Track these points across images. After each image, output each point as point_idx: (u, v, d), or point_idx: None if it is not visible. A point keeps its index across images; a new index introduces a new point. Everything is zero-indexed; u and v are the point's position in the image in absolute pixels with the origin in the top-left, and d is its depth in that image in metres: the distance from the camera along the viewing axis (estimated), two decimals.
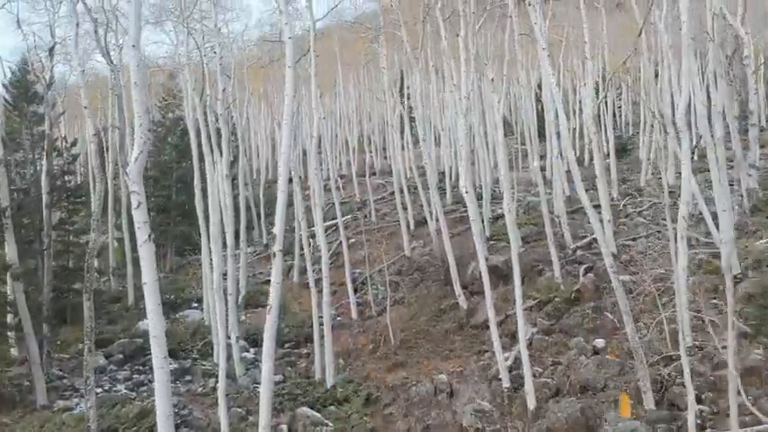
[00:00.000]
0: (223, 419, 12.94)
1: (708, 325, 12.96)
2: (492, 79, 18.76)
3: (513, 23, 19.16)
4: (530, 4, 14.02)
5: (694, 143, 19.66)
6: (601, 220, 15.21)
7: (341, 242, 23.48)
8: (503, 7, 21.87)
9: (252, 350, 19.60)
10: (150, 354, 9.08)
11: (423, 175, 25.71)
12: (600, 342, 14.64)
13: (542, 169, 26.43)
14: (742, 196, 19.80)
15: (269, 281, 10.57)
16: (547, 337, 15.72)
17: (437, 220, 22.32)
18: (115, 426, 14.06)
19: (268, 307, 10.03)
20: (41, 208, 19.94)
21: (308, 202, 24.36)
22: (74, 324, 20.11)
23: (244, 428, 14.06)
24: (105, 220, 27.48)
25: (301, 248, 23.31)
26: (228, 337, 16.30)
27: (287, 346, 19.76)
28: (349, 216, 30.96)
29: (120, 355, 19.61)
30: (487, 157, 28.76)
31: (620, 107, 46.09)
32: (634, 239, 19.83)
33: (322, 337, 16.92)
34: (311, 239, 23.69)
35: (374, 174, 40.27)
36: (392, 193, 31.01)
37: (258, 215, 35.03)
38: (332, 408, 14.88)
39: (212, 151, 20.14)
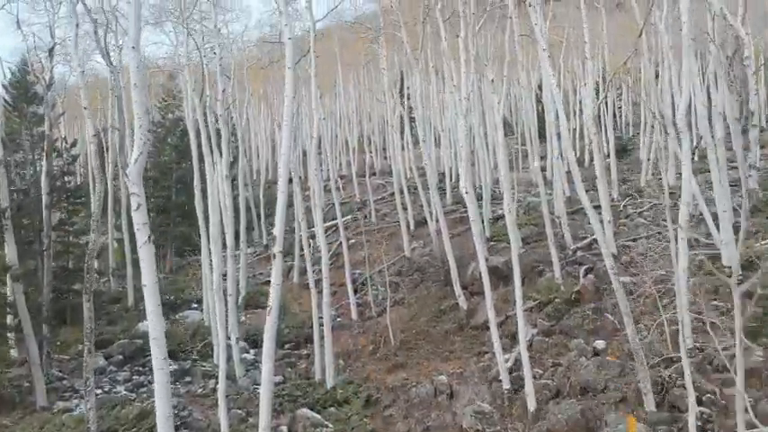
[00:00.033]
0: (223, 421, 12.93)
1: (708, 326, 12.99)
2: (492, 80, 18.72)
3: (513, 24, 19.14)
4: (530, 5, 14.01)
5: (695, 144, 19.62)
6: (601, 221, 15.20)
7: (341, 243, 23.47)
8: (503, 8, 21.85)
9: (252, 351, 19.57)
10: (150, 355, 9.08)
11: (423, 175, 25.70)
12: (600, 343, 14.62)
13: (543, 170, 26.42)
14: (742, 197, 19.77)
15: (269, 281, 10.56)
16: (547, 339, 15.69)
17: (437, 221, 22.31)
18: (115, 427, 14.06)
19: (268, 308, 10.02)
20: (41, 209, 19.93)
21: (308, 202, 24.34)
22: (74, 325, 20.10)
23: (244, 430, 14.04)
24: (105, 221, 27.49)
25: (301, 249, 23.31)
26: (228, 338, 16.27)
27: (287, 346, 19.75)
28: (349, 217, 30.95)
29: (120, 356, 19.60)
30: (487, 157, 28.75)
31: (620, 107, 46.09)
32: (634, 240, 19.81)
33: (322, 337, 16.90)
34: (311, 240, 23.68)
35: (374, 174, 40.26)
36: (392, 193, 31.00)
37: (258, 216, 35.02)
38: (332, 409, 14.87)
39: (212, 152, 20.12)
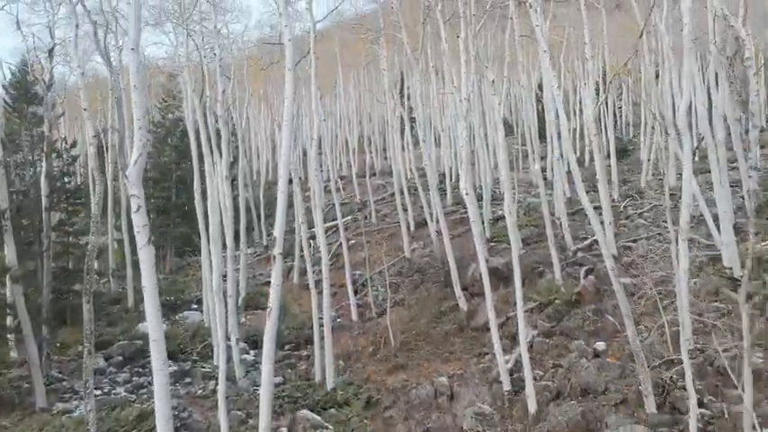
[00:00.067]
0: (223, 422, 12.90)
1: (710, 328, 12.97)
2: (493, 81, 18.70)
3: (513, 25, 19.12)
4: (530, 6, 13.98)
5: (695, 145, 19.60)
6: (601, 222, 15.18)
7: (341, 243, 23.45)
8: (503, 9, 21.82)
9: (252, 352, 19.54)
10: (150, 356, 9.07)
11: (423, 175, 25.68)
12: (601, 345, 14.58)
13: (543, 170, 26.41)
14: (743, 198, 19.77)
15: (269, 282, 10.55)
16: (547, 340, 15.66)
17: (437, 222, 22.30)
18: (115, 429, 14.03)
19: (268, 310, 10.00)
20: (41, 209, 19.91)
21: (308, 203, 24.33)
22: (73, 326, 20.08)
23: None
24: (105, 222, 27.47)
25: (301, 250, 23.29)
26: (228, 339, 16.26)
27: (287, 347, 19.73)
28: (349, 217, 30.93)
29: (120, 357, 19.57)
30: (488, 158, 28.73)
31: (620, 108, 46.08)
32: (635, 241, 19.80)
33: (322, 338, 16.88)
34: (311, 241, 23.67)
35: (374, 175, 40.24)
36: (392, 194, 30.97)
37: (258, 216, 35.01)
38: (332, 410, 14.84)
39: (212, 152, 20.11)
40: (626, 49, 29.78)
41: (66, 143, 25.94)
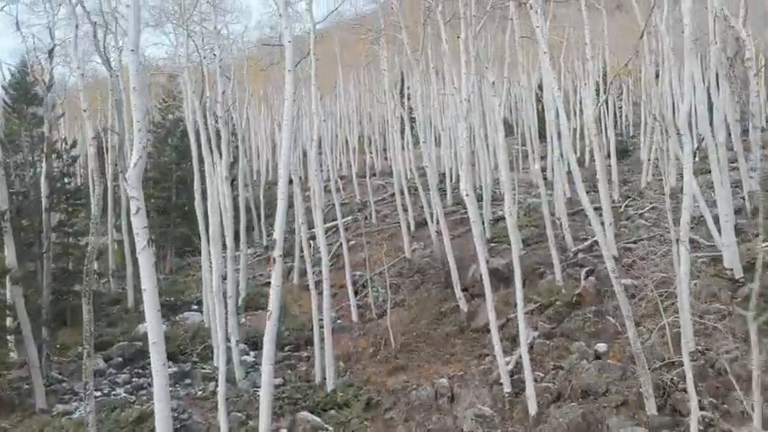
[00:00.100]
0: (223, 424, 12.89)
1: (711, 330, 12.95)
2: (493, 82, 18.67)
3: (513, 25, 19.10)
4: (531, 7, 13.96)
5: (696, 145, 19.59)
6: (602, 223, 15.15)
7: (341, 244, 23.43)
8: (503, 9, 21.80)
9: (252, 353, 19.51)
10: (150, 357, 9.06)
11: (423, 176, 25.65)
12: (602, 346, 14.55)
13: (543, 170, 26.38)
14: (744, 199, 19.76)
15: (269, 283, 10.55)
16: (548, 341, 15.63)
17: (438, 222, 22.27)
18: (114, 430, 14.05)
19: (268, 313, 10.00)
20: (41, 210, 19.90)
21: (308, 203, 24.30)
22: (73, 326, 20.04)
23: None
24: (105, 222, 27.44)
25: (301, 250, 23.27)
26: (228, 341, 16.24)
27: (287, 349, 19.71)
28: (349, 217, 30.90)
29: (120, 359, 19.56)
30: (488, 158, 28.70)
31: (620, 108, 46.06)
32: (635, 242, 19.75)
33: (322, 339, 16.86)
34: (311, 241, 23.64)
35: (374, 175, 40.21)
36: (392, 194, 30.95)
37: (258, 216, 34.98)
38: (332, 412, 14.83)
39: (212, 153, 20.09)
40: (626, 49, 29.74)
41: (66, 144, 25.91)
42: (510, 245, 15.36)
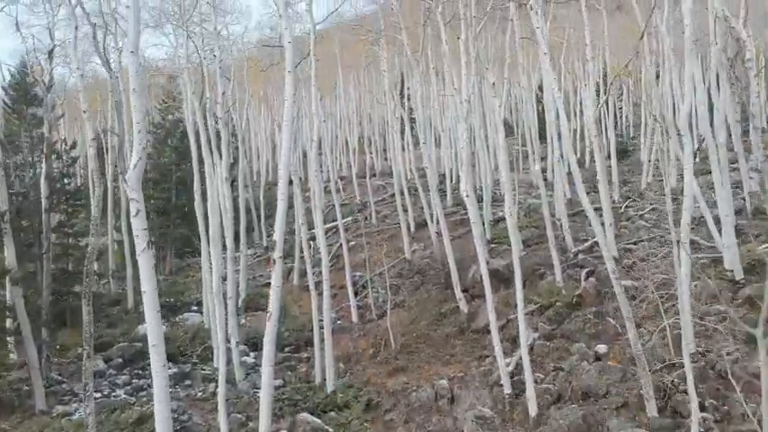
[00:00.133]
0: (223, 425, 12.87)
1: (711, 331, 12.93)
2: (493, 83, 18.66)
3: (513, 26, 19.08)
4: (531, 8, 13.95)
5: (696, 146, 19.56)
6: (602, 224, 15.12)
7: (341, 244, 23.41)
8: (504, 10, 21.79)
9: (252, 354, 19.49)
10: (150, 358, 9.04)
11: (423, 176, 25.64)
12: (602, 348, 14.53)
13: (543, 171, 26.35)
14: (744, 200, 19.74)
15: (269, 283, 10.54)
16: (548, 343, 15.61)
17: (438, 223, 22.24)
18: (114, 431, 14.00)
19: (268, 314, 9.99)
20: (41, 211, 19.88)
21: (308, 204, 24.28)
22: (73, 327, 20.03)
23: None
24: (105, 223, 27.42)
25: (301, 251, 23.25)
26: (228, 342, 16.21)
27: (287, 349, 19.69)
28: (349, 218, 30.89)
29: (120, 360, 19.53)
30: (488, 159, 28.68)
31: (621, 108, 46.03)
32: (636, 243, 19.73)
33: (322, 340, 16.84)
34: (311, 242, 23.63)
35: (374, 175, 40.19)
36: (392, 195, 30.93)
37: (258, 217, 34.96)
38: (332, 413, 14.82)
39: (212, 154, 20.08)
40: (627, 50, 29.75)
41: (65, 144, 25.91)
42: (510, 246, 15.34)
